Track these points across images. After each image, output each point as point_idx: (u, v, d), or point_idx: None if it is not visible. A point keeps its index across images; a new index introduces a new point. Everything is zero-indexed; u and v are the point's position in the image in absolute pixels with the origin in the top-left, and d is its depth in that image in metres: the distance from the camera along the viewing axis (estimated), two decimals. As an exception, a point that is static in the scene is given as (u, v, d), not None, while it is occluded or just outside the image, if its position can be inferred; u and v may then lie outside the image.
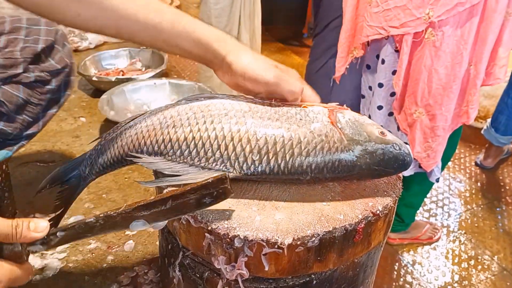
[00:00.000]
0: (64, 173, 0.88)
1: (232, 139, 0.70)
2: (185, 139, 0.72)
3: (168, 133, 0.73)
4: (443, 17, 1.31)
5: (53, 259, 1.13)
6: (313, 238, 0.64)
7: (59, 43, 1.17)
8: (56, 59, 1.16)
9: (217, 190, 0.62)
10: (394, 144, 0.70)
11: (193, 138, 0.71)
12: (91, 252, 1.16)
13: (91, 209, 1.32)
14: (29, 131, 1.17)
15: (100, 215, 0.62)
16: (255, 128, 0.70)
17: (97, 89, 2.14)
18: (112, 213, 0.62)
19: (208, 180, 0.62)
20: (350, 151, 0.69)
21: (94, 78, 2.09)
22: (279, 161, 0.69)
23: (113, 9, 0.70)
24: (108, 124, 1.87)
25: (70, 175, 0.87)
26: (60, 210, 0.90)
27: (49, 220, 0.81)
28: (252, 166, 0.70)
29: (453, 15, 1.30)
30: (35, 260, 1.12)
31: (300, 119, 0.71)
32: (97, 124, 1.91)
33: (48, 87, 1.16)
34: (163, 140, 0.73)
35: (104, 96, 1.88)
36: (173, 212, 0.63)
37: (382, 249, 0.79)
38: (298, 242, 0.63)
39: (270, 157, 0.69)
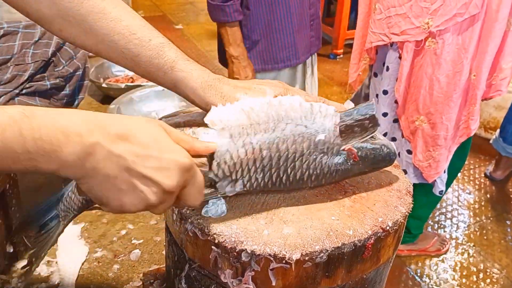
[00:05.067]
0: (37, 217, 0.77)
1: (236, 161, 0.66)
2: None
3: None
4: (441, 27, 1.32)
5: (60, 267, 1.13)
6: (322, 254, 0.63)
7: (71, 46, 1.18)
8: (68, 62, 1.17)
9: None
10: (382, 146, 0.73)
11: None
12: (97, 261, 1.16)
13: (98, 216, 1.32)
14: None
15: None
16: (261, 145, 0.67)
17: (107, 96, 2.15)
18: None
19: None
20: (346, 160, 0.70)
21: (103, 85, 2.10)
22: (281, 175, 0.69)
23: (94, 33, 0.69)
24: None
25: (46, 217, 0.77)
26: (35, 259, 0.81)
27: (22, 267, 0.75)
28: (255, 183, 0.69)
29: (453, 24, 1.31)
30: (41, 268, 1.12)
31: (305, 126, 0.68)
32: (105, 130, 1.91)
33: (64, 92, 1.17)
34: None
35: (112, 106, 1.89)
36: None
37: (391, 264, 0.78)
38: (306, 258, 0.63)
39: (273, 172, 0.68)
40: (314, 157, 0.69)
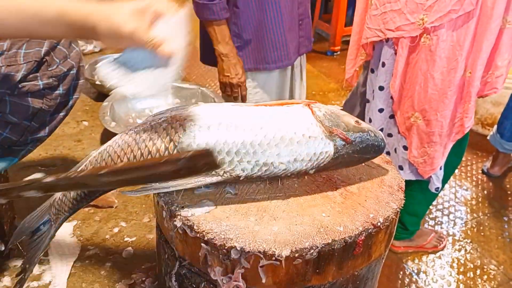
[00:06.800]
0: (30, 223, 0.83)
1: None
2: (166, 148, 0.68)
3: (146, 146, 0.69)
4: (436, 24, 1.31)
5: (51, 266, 1.12)
6: (312, 251, 0.62)
7: (65, 45, 1.16)
8: (62, 61, 1.14)
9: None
10: (369, 131, 0.73)
11: (175, 146, 0.68)
12: (89, 259, 1.14)
13: (91, 214, 1.31)
14: (35, 136, 1.16)
15: (61, 176, 0.63)
16: (243, 136, 0.68)
17: (101, 93, 2.14)
18: (72, 175, 0.64)
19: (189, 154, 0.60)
20: (331, 143, 0.70)
21: (97, 82, 2.09)
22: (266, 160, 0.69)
23: None
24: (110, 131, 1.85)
25: (39, 223, 0.82)
26: (28, 266, 0.84)
27: (16, 275, 0.81)
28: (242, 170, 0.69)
29: (447, 21, 1.30)
30: (33, 266, 1.11)
31: (284, 113, 0.72)
32: (99, 128, 1.90)
33: (57, 92, 1.15)
34: (142, 154, 0.70)
35: (105, 103, 1.87)
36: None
37: (383, 261, 0.77)
38: (296, 254, 0.62)
39: (258, 158, 0.68)
40: (298, 139, 0.69)
